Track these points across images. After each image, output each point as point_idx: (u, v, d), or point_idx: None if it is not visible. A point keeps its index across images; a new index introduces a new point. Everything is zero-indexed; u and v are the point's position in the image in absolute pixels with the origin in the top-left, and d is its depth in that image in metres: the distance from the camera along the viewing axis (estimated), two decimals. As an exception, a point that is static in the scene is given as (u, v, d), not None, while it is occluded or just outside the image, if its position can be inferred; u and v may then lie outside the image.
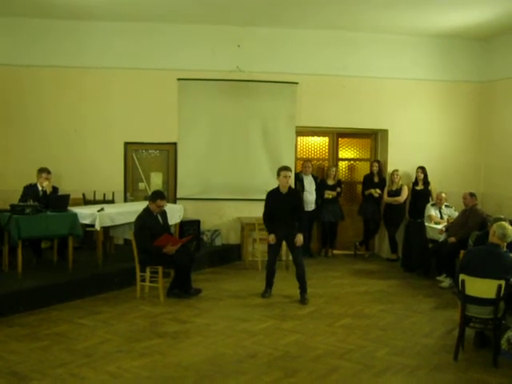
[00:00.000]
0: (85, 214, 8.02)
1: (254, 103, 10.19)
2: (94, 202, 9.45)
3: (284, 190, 7.64)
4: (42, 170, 8.52)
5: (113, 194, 9.86)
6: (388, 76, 10.48)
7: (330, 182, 10.59)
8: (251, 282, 8.51)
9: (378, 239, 11.19)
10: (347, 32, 10.21)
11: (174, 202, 10.13)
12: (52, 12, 9.25)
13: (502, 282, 5.22)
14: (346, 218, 10.82)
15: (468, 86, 10.77)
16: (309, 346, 5.77)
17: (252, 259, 9.92)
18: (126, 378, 4.88)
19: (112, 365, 5.13)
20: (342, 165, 11.41)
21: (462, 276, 5.44)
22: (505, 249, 5.66)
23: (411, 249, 9.41)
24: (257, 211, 9.23)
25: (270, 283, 7.81)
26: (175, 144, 10.24)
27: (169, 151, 10.39)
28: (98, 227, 7.93)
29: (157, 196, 7.61)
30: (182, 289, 7.58)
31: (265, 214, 7.75)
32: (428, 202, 9.97)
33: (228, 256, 10.12)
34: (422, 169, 10.22)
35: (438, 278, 8.60)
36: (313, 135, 11.20)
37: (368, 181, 10.69)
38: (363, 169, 11.31)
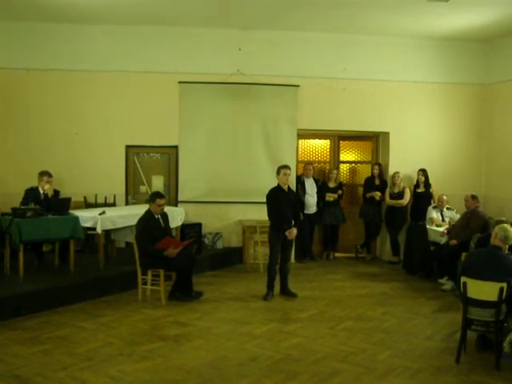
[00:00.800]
0: (86, 217, 8.03)
1: (255, 106, 10.20)
2: (96, 206, 9.45)
3: (285, 188, 7.75)
4: (44, 174, 8.53)
5: (114, 197, 9.86)
6: (389, 79, 10.48)
7: (332, 185, 10.59)
8: (253, 284, 8.51)
9: (379, 242, 11.18)
10: (348, 35, 10.21)
11: (176, 205, 10.13)
12: (54, 16, 9.26)
13: (504, 285, 5.20)
14: (347, 220, 10.81)
15: (469, 88, 10.77)
16: (310, 349, 5.76)
17: (253, 262, 9.92)
18: (127, 382, 4.87)
19: (113, 368, 5.12)
20: (344, 167, 11.40)
21: (463, 278, 5.43)
22: (507, 251, 5.65)
23: (413, 251, 9.40)
24: (258, 214, 9.25)
25: (271, 286, 7.81)
26: (176, 147, 10.24)
27: (170, 154, 10.39)
28: (99, 230, 7.94)
29: (155, 196, 7.66)
30: (183, 292, 7.57)
31: (272, 211, 7.77)
32: (429, 204, 9.97)
33: (229, 259, 10.12)
34: (423, 171, 10.22)
35: (440, 280, 8.58)
36: (314, 138, 11.20)
37: (369, 183, 10.69)
38: (364, 171, 11.30)
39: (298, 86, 10.21)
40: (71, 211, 8.21)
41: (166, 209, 7.94)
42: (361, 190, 11.17)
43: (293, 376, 5.07)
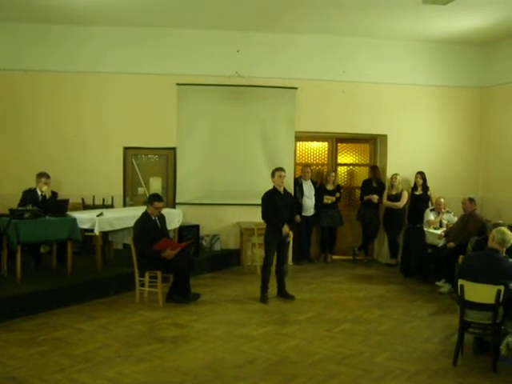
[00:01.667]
0: (84, 218, 8.02)
1: (253, 108, 10.20)
2: (93, 207, 9.44)
3: (281, 190, 7.79)
4: (41, 175, 8.52)
5: (112, 198, 9.86)
6: (387, 81, 10.50)
7: (329, 187, 10.60)
8: (250, 286, 8.50)
9: (377, 244, 11.19)
10: (346, 37, 10.23)
11: (174, 206, 10.12)
12: (50, 16, 9.25)
13: (501, 288, 5.21)
14: (344, 223, 10.82)
15: (467, 91, 10.79)
16: (308, 352, 5.76)
17: (251, 264, 9.93)
18: (124, 383, 4.87)
19: (111, 370, 5.12)
20: (342, 170, 11.41)
21: (461, 281, 5.44)
22: (504, 254, 5.66)
23: (410, 254, 9.41)
24: (256, 216, 9.20)
25: (265, 288, 7.83)
26: (174, 149, 10.24)
27: (168, 156, 10.39)
28: (97, 232, 7.93)
29: (154, 198, 7.64)
30: (181, 294, 7.57)
31: (267, 213, 7.78)
32: (427, 207, 9.98)
33: (227, 261, 10.12)
34: (421, 174, 10.23)
35: (437, 283, 8.59)
36: (312, 140, 11.21)
37: (367, 186, 10.70)
38: (362, 174, 11.31)
39: (296, 88, 10.22)
40: (69, 213, 8.20)
41: (164, 211, 7.94)
42: (358, 192, 11.18)
43: (290, 378, 5.07)
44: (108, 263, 8.71)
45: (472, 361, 5.57)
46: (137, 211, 8.13)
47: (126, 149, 10.21)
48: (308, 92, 10.28)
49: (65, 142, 9.93)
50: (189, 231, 9.66)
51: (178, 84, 10.04)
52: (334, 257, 10.99)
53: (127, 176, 10.29)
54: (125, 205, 10.17)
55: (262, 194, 7.89)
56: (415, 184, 10.31)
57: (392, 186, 10.32)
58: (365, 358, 5.59)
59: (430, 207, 9.91)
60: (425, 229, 9.42)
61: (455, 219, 9.31)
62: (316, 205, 10.48)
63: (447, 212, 9.63)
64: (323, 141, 11.21)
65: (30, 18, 9.37)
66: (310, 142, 11.21)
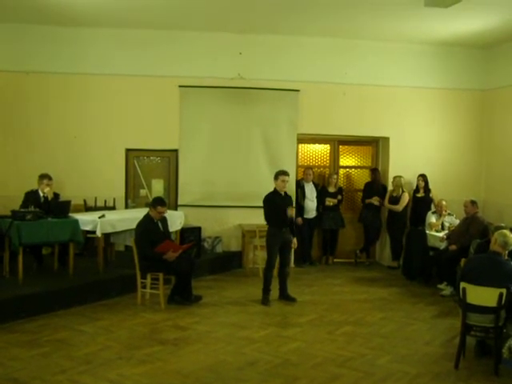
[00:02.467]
0: (86, 220, 8.03)
1: (256, 110, 10.21)
2: (95, 209, 9.45)
3: (282, 193, 7.82)
4: (44, 176, 8.52)
5: (114, 200, 9.87)
6: (389, 84, 10.50)
7: (331, 190, 10.59)
8: (252, 289, 8.50)
9: (378, 247, 11.18)
10: (348, 40, 10.24)
11: (175, 208, 10.12)
12: (55, 19, 9.28)
13: (504, 291, 5.20)
14: (346, 225, 10.81)
15: (469, 93, 10.79)
16: (309, 354, 5.76)
17: (253, 266, 9.91)
18: (126, 385, 4.88)
19: (112, 372, 5.12)
20: (344, 172, 11.39)
21: (463, 284, 5.43)
22: (506, 257, 5.66)
23: (412, 256, 9.40)
24: (258, 218, 9.22)
25: (267, 290, 7.83)
26: (176, 151, 10.25)
27: (170, 158, 10.40)
28: (99, 234, 7.93)
29: (157, 202, 7.64)
30: (182, 296, 7.57)
31: (268, 215, 7.82)
32: (429, 209, 9.97)
33: (229, 263, 10.11)
34: (423, 176, 10.23)
35: (439, 285, 8.58)
36: (314, 143, 11.20)
37: (368, 188, 10.70)
38: (364, 176, 11.29)
39: (298, 90, 10.22)
40: (71, 214, 8.21)
41: (166, 213, 7.93)
42: (360, 195, 11.17)
43: (291, 380, 5.06)
44: (110, 265, 8.72)
45: (474, 364, 5.56)
46: (139, 213, 8.14)
47: (128, 150, 10.22)
48: (310, 94, 10.28)
49: (67, 144, 9.95)
50: (191, 233, 9.65)
51: (180, 86, 10.05)
52: (336, 259, 10.97)
53: (129, 178, 10.30)
54: (127, 206, 10.17)
55: (263, 197, 7.90)
56: (417, 186, 10.30)
57: (393, 189, 10.31)
58: (366, 361, 5.58)
59: (432, 210, 9.90)
60: (427, 231, 9.40)
61: (457, 222, 9.30)
62: (318, 207, 10.47)
63: (448, 214, 9.63)
64: (325, 143, 11.20)
65: (35, 19, 9.40)
66: (312, 145, 11.21)
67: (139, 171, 10.33)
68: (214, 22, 9.53)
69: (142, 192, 10.37)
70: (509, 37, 9.72)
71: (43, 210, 7.94)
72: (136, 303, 7.53)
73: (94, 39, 9.87)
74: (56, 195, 8.72)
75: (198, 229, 9.85)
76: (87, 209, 9.58)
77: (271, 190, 7.92)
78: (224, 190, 10.21)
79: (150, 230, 7.47)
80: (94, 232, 8.00)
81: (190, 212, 10.02)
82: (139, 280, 7.56)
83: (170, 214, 8.40)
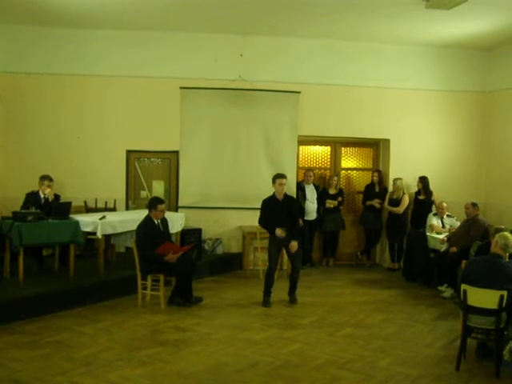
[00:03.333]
0: (86, 221, 8.03)
1: (256, 112, 10.21)
2: (96, 210, 9.46)
3: (280, 197, 7.77)
4: (44, 178, 8.52)
5: (114, 201, 9.87)
6: (390, 86, 10.50)
7: (332, 192, 10.59)
8: (252, 290, 8.50)
9: (379, 248, 11.17)
10: (350, 42, 10.24)
11: (176, 210, 10.13)
12: (53, 19, 9.28)
13: (504, 293, 5.20)
14: (347, 227, 10.81)
15: (470, 95, 10.79)
16: (310, 356, 5.75)
17: (253, 268, 9.92)
18: (126, 387, 4.88)
19: (113, 373, 5.12)
20: (345, 174, 11.38)
21: (463, 286, 5.43)
22: (507, 259, 5.65)
23: (413, 258, 9.39)
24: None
25: (268, 292, 7.81)
26: (177, 152, 10.25)
27: (171, 159, 10.40)
28: (99, 235, 7.93)
29: (156, 202, 7.65)
30: (183, 297, 7.57)
31: (261, 220, 7.87)
32: (430, 211, 9.97)
33: (229, 265, 10.11)
34: (422, 179, 10.21)
35: (440, 287, 8.57)
36: (315, 144, 11.19)
37: (369, 190, 10.70)
38: (365, 178, 11.29)
39: (299, 92, 10.23)
40: (71, 216, 8.20)
41: (166, 214, 7.94)
42: (359, 197, 11.17)
43: (292, 382, 5.06)
44: (110, 266, 8.71)
45: (475, 366, 5.56)
46: (139, 214, 8.14)
47: (128, 152, 10.22)
48: (311, 96, 10.28)
49: (68, 145, 9.95)
50: (191, 235, 9.65)
51: (181, 87, 10.06)
52: (336, 261, 10.96)
53: (130, 179, 10.30)
54: (127, 208, 10.17)
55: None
56: (419, 189, 10.29)
57: (394, 191, 10.31)
58: (367, 363, 5.58)
59: (433, 212, 9.90)
60: (427, 233, 9.40)
61: (458, 224, 9.30)
62: (318, 209, 10.47)
63: (448, 216, 9.63)
64: (326, 145, 11.20)
65: (33, 20, 9.41)
66: (312, 146, 11.20)
67: (140, 173, 10.33)
68: (215, 24, 9.54)
69: (143, 193, 10.37)
70: (510, 39, 9.73)
71: (44, 211, 7.94)
72: (136, 304, 7.53)
73: (95, 40, 9.88)
74: (57, 196, 8.71)
75: (199, 230, 9.85)
76: (88, 210, 9.59)
77: (271, 191, 7.91)
78: (224, 191, 10.21)
79: (151, 232, 7.46)
80: (94, 233, 8.00)
81: (190, 213, 10.01)
82: (140, 281, 7.56)
83: (170, 216, 8.41)
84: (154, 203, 7.64)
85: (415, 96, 10.64)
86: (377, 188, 10.61)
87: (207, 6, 8.51)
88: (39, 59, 9.82)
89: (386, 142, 10.82)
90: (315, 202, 10.42)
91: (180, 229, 9.36)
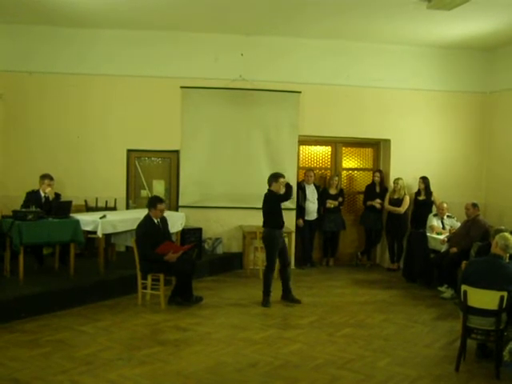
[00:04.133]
0: (87, 220, 8.03)
1: (257, 112, 10.21)
2: (96, 209, 9.47)
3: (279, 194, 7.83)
4: (45, 177, 8.52)
5: (115, 201, 9.88)
6: (391, 86, 10.50)
7: (332, 192, 10.59)
8: (252, 290, 8.50)
9: (379, 249, 11.17)
10: (350, 42, 10.24)
11: (176, 209, 10.13)
12: (56, 19, 9.29)
13: (505, 294, 5.21)
14: (347, 227, 10.81)
15: (471, 96, 10.78)
16: (310, 356, 5.76)
17: (253, 268, 9.92)
18: (126, 386, 4.88)
19: (113, 372, 5.12)
20: (345, 174, 11.37)
21: (463, 287, 5.43)
22: (507, 260, 5.65)
23: (413, 259, 9.39)
24: (259, 220, 9.19)
25: (268, 292, 7.82)
26: (178, 152, 10.25)
27: (171, 159, 10.40)
28: (99, 234, 7.93)
29: (155, 201, 7.66)
30: (183, 297, 7.57)
31: (267, 216, 7.87)
32: (430, 212, 9.96)
33: (229, 264, 10.12)
34: (424, 179, 10.21)
35: (440, 288, 8.57)
36: (315, 144, 11.19)
37: (370, 191, 10.70)
38: (365, 178, 11.29)
39: (299, 92, 10.23)
40: (72, 215, 8.21)
41: (167, 213, 7.94)
42: (360, 197, 11.18)
43: (292, 382, 5.07)
44: (110, 265, 8.71)
45: (474, 367, 5.56)
46: (139, 214, 8.14)
47: (129, 151, 10.22)
48: (311, 96, 10.28)
49: (69, 144, 9.96)
50: (191, 234, 9.65)
51: (181, 87, 10.06)
52: (337, 261, 10.96)
53: (130, 178, 10.30)
54: (128, 207, 10.17)
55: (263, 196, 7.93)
56: (419, 189, 10.29)
57: (394, 191, 10.31)
58: (367, 363, 5.58)
59: (433, 212, 9.90)
60: (427, 234, 9.40)
61: (458, 224, 9.30)
62: (319, 209, 10.47)
63: (448, 217, 9.63)
64: (326, 145, 11.20)
65: (37, 20, 9.42)
66: (313, 146, 11.20)
67: (140, 172, 10.33)
68: (216, 24, 9.54)
69: (143, 193, 10.37)
70: (511, 39, 9.72)
71: (44, 210, 7.95)
72: (136, 304, 7.53)
73: (96, 40, 9.88)
74: (57, 195, 8.71)
75: (199, 230, 9.85)
76: (88, 209, 9.59)
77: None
78: (225, 191, 10.21)
79: (151, 232, 7.47)
80: (94, 232, 8.00)
81: (190, 213, 10.01)
82: (140, 281, 7.56)
83: (170, 215, 8.41)
84: (153, 202, 7.65)
85: (416, 96, 10.63)
86: (377, 188, 10.61)
87: (208, 5, 8.50)
88: (42, 59, 9.81)
89: (387, 142, 10.82)
90: (316, 202, 10.43)
91: (180, 228, 9.36)
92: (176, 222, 9.07)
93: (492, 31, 9.30)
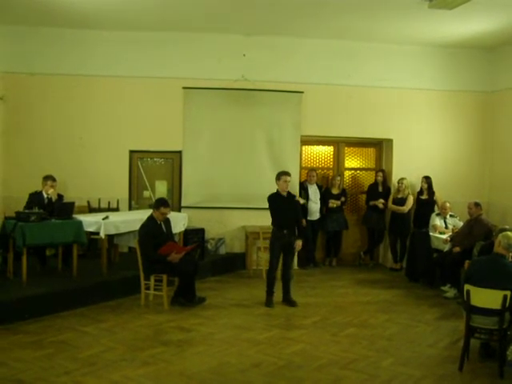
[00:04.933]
0: (89, 221, 8.04)
1: (259, 112, 10.21)
2: (99, 210, 9.47)
3: (284, 194, 7.79)
4: (48, 178, 8.55)
5: (117, 201, 9.89)
6: (393, 86, 10.49)
7: (335, 191, 10.58)
8: (255, 290, 8.49)
9: (382, 249, 11.16)
10: (352, 42, 10.23)
11: (179, 210, 10.13)
12: (59, 21, 9.30)
13: (508, 293, 5.20)
14: (350, 227, 10.80)
15: (473, 95, 10.77)
16: (313, 356, 5.75)
17: (256, 268, 9.92)
18: (129, 387, 4.88)
19: (116, 373, 5.13)
20: (348, 174, 11.36)
21: (466, 286, 5.42)
22: (510, 259, 5.64)
23: (416, 258, 9.38)
24: (261, 220, 9.26)
25: (271, 292, 7.81)
26: (180, 152, 10.26)
27: (174, 159, 10.40)
28: (102, 235, 7.94)
29: (160, 203, 7.64)
30: (186, 297, 7.57)
31: (273, 215, 7.85)
32: (433, 211, 9.95)
33: (232, 264, 10.11)
34: (427, 178, 10.19)
35: (443, 287, 8.56)
36: (318, 144, 11.18)
37: (372, 190, 10.69)
38: (368, 178, 11.28)
39: (302, 92, 10.22)
40: (75, 216, 8.22)
41: (169, 214, 7.93)
42: (362, 197, 11.17)
43: (295, 382, 5.07)
44: (113, 266, 8.72)
45: (478, 366, 5.55)
46: (142, 214, 8.15)
47: (131, 152, 10.23)
48: (314, 96, 10.27)
49: (71, 145, 9.96)
50: (194, 235, 9.65)
51: (184, 88, 10.06)
52: (339, 261, 10.94)
53: (133, 179, 10.31)
54: (130, 208, 10.18)
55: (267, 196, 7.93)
56: (421, 188, 10.28)
57: (398, 190, 10.30)
58: (370, 363, 5.58)
59: (436, 212, 9.88)
60: (430, 233, 9.39)
61: (460, 224, 9.28)
62: (321, 209, 10.47)
63: (451, 216, 9.61)
64: (329, 145, 11.19)
65: (39, 22, 9.44)
66: (315, 146, 11.19)
67: (143, 173, 10.34)
68: (218, 24, 9.54)
69: (146, 193, 10.38)
70: (513, 38, 9.73)
71: (47, 211, 7.95)
72: (139, 305, 7.54)
73: (99, 41, 9.88)
74: (60, 196, 8.73)
75: (202, 230, 9.85)
76: (91, 210, 9.60)
77: (275, 191, 7.91)
78: (227, 191, 10.21)
79: (154, 232, 7.47)
80: (97, 233, 8.01)
81: (193, 213, 10.01)
82: (143, 281, 7.57)
83: (173, 216, 8.40)
84: (157, 204, 7.65)
85: (418, 96, 10.62)
86: (380, 188, 10.59)
87: (210, 6, 8.51)
88: (44, 60, 9.82)
89: (389, 141, 10.81)
90: (318, 201, 10.42)
91: (183, 229, 9.37)
92: (178, 222, 9.07)
93: (494, 30, 9.29)
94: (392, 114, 10.59)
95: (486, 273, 5.47)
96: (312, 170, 10.63)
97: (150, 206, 9.35)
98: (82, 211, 9.17)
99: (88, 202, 9.74)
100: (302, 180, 10.63)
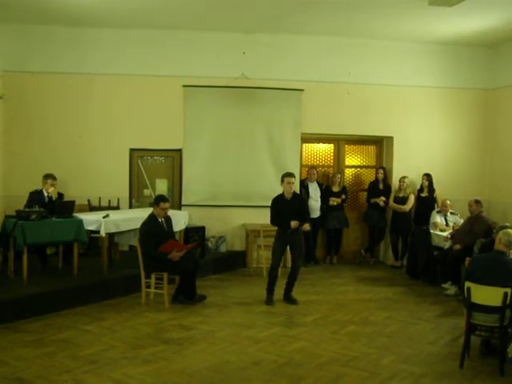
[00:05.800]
0: (90, 220, 8.03)
1: (259, 110, 10.21)
2: (100, 209, 9.48)
3: (289, 196, 7.73)
4: (48, 176, 8.55)
5: (118, 200, 9.89)
6: (393, 83, 10.49)
7: (335, 189, 10.57)
8: (256, 288, 8.50)
9: (383, 246, 11.16)
10: (353, 39, 10.23)
11: (179, 208, 10.13)
12: (58, 19, 9.30)
13: (508, 290, 5.19)
14: (350, 225, 10.80)
15: (473, 93, 10.77)
16: (314, 354, 5.75)
17: (257, 266, 9.92)
18: (130, 385, 4.88)
19: (117, 371, 5.13)
20: (348, 172, 11.36)
21: (467, 283, 5.42)
22: (511, 256, 5.64)
23: (416, 256, 9.38)
24: (262, 218, 9.24)
25: (271, 290, 7.81)
26: (180, 150, 10.26)
27: (174, 158, 10.40)
28: (103, 233, 7.93)
29: (159, 199, 7.64)
30: (186, 295, 7.57)
31: (272, 219, 7.79)
32: (433, 209, 9.94)
33: (233, 262, 10.12)
34: (427, 176, 10.20)
35: (443, 285, 8.56)
36: (318, 142, 11.18)
37: (373, 188, 10.68)
38: (368, 176, 11.28)
39: (302, 89, 10.22)
40: (75, 214, 8.22)
41: (170, 212, 7.94)
42: (363, 195, 11.16)
43: (296, 380, 5.06)
44: (114, 265, 8.72)
45: (479, 363, 5.55)
46: (143, 213, 8.15)
47: (132, 150, 10.23)
48: (314, 94, 10.27)
49: (71, 144, 9.97)
50: (195, 233, 9.67)
51: (184, 86, 10.06)
52: (340, 259, 10.95)
53: (133, 177, 10.32)
54: (131, 206, 10.19)
55: (271, 196, 7.91)
56: (421, 186, 10.28)
57: (400, 189, 10.29)
58: (371, 360, 5.58)
59: (436, 209, 9.88)
60: (431, 231, 9.38)
61: (461, 221, 9.28)
62: (322, 207, 10.46)
63: (451, 214, 9.61)
64: (329, 143, 11.18)
65: (39, 20, 9.44)
66: (315, 144, 11.19)
67: (143, 171, 10.34)
68: (218, 22, 9.54)
69: (146, 192, 10.39)
70: (513, 36, 9.72)
71: (47, 209, 7.95)
72: (140, 303, 7.54)
73: (98, 39, 9.88)
74: (60, 195, 8.74)
75: (202, 228, 9.86)
76: (91, 209, 9.60)
77: (275, 188, 7.91)
78: (228, 189, 10.21)
79: (155, 231, 7.47)
80: (98, 232, 8.00)
81: (194, 212, 10.02)
82: (143, 280, 7.57)
83: (174, 214, 8.41)
84: (157, 200, 7.66)
85: (419, 93, 10.62)
86: (381, 185, 10.59)
87: (210, 4, 8.51)
88: (44, 59, 9.83)
89: (390, 139, 10.81)
90: (318, 199, 10.42)
91: (183, 227, 9.38)
92: (179, 220, 9.08)
93: (494, 27, 9.29)
94: (392, 112, 10.59)
95: (486, 270, 5.46)
96: (312, 167, 10.63)
97: (150, 205, 9.36)
98: (82, 210, 9.17)
99: (88, 201, 9.75)
100: (303, 178, 10.63)
